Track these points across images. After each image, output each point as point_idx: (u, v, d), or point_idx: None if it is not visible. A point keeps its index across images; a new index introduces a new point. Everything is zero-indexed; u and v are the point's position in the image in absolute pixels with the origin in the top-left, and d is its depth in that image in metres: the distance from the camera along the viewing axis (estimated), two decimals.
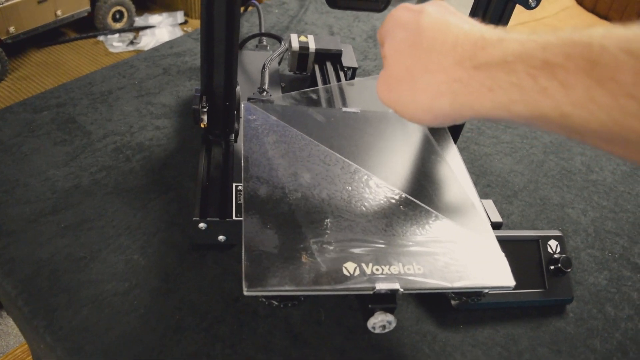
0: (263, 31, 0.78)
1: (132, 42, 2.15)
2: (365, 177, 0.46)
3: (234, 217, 0.46)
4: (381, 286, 0.36)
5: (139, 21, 2.26)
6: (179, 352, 0.44)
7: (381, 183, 0.46)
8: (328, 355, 0.45)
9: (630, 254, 0.60)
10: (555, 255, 0.51)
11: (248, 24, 0.92)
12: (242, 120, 0.50)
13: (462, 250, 0.41)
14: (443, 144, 0.56)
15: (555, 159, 0.73)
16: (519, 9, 0.50)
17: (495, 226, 0.51)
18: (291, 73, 0.73)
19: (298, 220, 0.40)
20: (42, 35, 1.99)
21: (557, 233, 0.53)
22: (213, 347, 0.44)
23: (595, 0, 2.03)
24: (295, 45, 0.70)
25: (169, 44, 0.84)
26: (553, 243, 0.52)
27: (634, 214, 0.66)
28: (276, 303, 0.38)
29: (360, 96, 0.60)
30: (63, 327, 0.44)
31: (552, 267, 0.51)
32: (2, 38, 1.83)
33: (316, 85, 0.66)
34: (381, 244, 0.40)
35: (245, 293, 0.35)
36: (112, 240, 0.51)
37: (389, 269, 0.38)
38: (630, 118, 0.23)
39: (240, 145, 0.51)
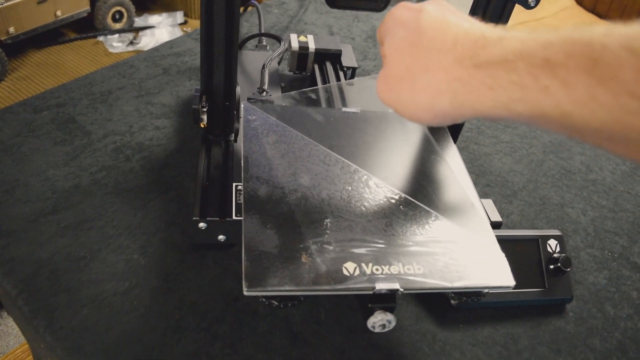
0: (263, 31, 0.78)
1: (131, 43, 2.15)
2: (365, 177, 0.46)
3: (234, 217, 0.46)
4: (381, 286, 0.36)
5: (138, 21, 2.26)
6: (179, 351, 0.44)
7: (381, 183, 0.46)
8: (328, 355, 0.45)
9: (629, 253, 0.60)
10: (555, 255, 0.52)
11: (248, 24, 0.92)
12: (241, 120, 0.50)
13: (462, 250, 0.41)
14: (443, 144, 0.56)
15: (554, 158, 0.73)
16: (518, 8, 0.50)
17: (495, 226, 0.51)
18: (291, 73, 0.73)
19: (298, 220, 0.40)
20: (41, 35, 1.99)
21: (557, 232, 0.53)
22: (213, 346, 0.44)
23: (595, 0, 2.03)
24: (294, 45, 0.70)
25: (169, 44, 0.84)
26: (553, 242, 0.52)
27: (634, 214, 0.66)
28: (276, 303, 0.38)
29: (359, 96, 0.60)
30: (63, 327, 0.44)
31: (551, 267, 0.51)
32: (2, 38, 1.83)
33: (316, 85, 0.67)
34: (381, 244, 0.40)
35: (245, 293, 0.35)
36: (112, 240, 0.51)
37: (388, 269, 0.38)
38: (631, 116, 0.23)
39: (240, 145, 0.51)
